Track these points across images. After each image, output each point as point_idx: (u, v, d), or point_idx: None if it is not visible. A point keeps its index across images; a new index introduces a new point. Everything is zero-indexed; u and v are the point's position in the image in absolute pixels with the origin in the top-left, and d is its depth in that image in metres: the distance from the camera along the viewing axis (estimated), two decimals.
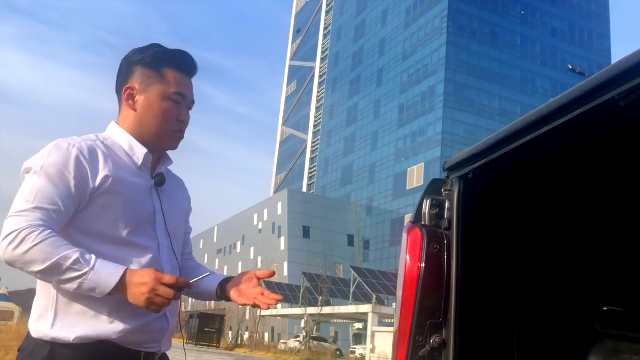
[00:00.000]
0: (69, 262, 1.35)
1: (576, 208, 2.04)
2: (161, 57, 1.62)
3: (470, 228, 1.68)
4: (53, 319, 1.45)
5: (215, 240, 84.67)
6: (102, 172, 1.49)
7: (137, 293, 1.39)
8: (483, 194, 1.73)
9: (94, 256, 1.39)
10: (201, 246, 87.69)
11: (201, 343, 36.00)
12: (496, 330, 1.88)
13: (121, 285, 1.39)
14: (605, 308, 2.07)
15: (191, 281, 1.50)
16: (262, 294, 1.58)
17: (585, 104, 1.19)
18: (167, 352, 1.64)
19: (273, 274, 1.66)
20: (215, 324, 37.76)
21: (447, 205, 1.70)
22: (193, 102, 1.67)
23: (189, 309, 47.97)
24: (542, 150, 1.52)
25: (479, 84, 60.48)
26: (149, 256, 1.54)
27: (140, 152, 1.59)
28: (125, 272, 1.40)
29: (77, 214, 1.46)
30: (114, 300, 1.44)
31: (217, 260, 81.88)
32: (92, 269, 1.37)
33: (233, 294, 1.63)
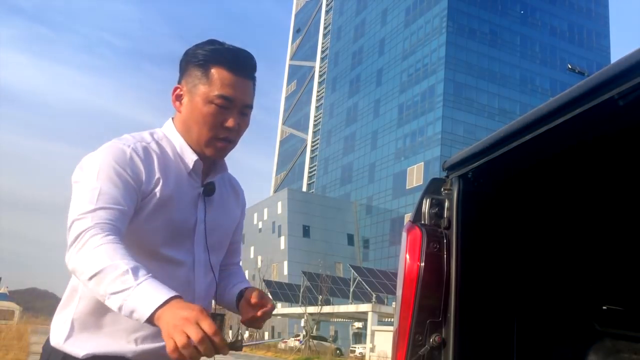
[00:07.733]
0: (117, 272, 1.16)
1: (576, 207, 2.05)
2: (211, 55, 1.45)
3: (469, 227, 1.69)
4: (69, 332, 1.41)
5: None
6: (155, 175, 1.41)
7: (172, 322, 1.11)
8: (482, 193, 1.74)
9: (150, 274, 1.19)
10: None
11: None
12: (495, 329, 1.88)
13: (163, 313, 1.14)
14: (604, 307, 2.07)
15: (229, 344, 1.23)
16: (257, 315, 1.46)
17: (585, 104, 1.19)
18: None
19: (273, 308, 1.50)
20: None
21: (446, 204, 1.70)
22: (248, 106, 1.48)
23: None
24: (541, 150, 1.52)
25: (479, 83, 60.47)
26: (180, 272, 1.44)
27: (190, 158, 1.48)
28: (171, 298, 1.14)
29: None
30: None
31: None
32: (139, 284, 1.15)
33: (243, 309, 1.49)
